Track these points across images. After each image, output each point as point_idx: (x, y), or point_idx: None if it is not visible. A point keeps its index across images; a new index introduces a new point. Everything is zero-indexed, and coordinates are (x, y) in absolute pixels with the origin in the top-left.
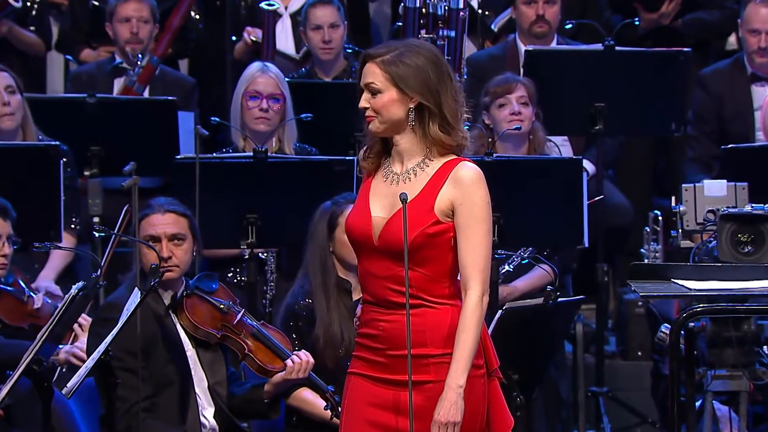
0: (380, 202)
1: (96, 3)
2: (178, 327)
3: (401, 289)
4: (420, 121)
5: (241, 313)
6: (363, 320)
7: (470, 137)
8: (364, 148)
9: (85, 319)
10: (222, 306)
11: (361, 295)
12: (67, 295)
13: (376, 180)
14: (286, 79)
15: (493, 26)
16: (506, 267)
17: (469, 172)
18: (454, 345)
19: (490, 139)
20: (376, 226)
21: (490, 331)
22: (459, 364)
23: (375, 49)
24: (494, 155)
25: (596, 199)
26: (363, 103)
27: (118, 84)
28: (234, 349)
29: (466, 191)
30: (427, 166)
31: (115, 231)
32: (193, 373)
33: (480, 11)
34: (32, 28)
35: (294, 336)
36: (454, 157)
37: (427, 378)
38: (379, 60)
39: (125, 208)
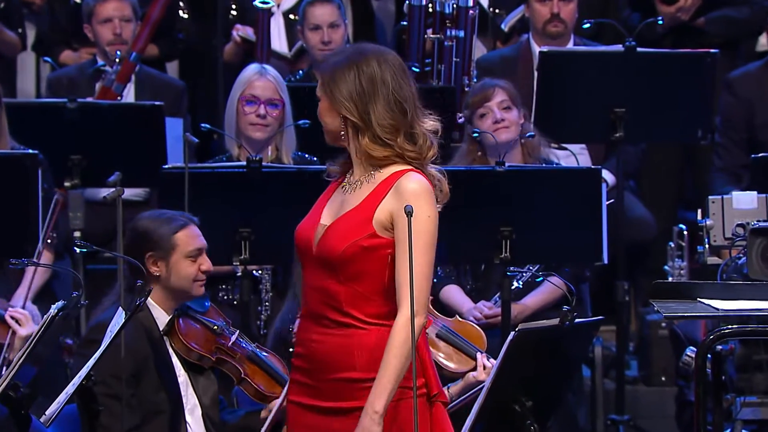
0: (330, 210)
1: (78, 1)
2: (170, 350)
3: (332, 304)
4: (353, 132)
5: (235, 335)
6: (297, 338)
7: (460, 151)
8: None
9: (20, 313)
10: (215, 327)
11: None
12: (46, 316)
13: (338, 187)
14: None
15: (503, 25)
16: (515, 283)
17: (412, 183)
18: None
19: (480, 153)
20: (317, 234)
21: (501, 353)
22: (377, 388)
23: (330, 54)
24: (506, 165)
25: (609, 201)
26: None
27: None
28: (229, 374)
29: (406, 204)
30: (373, 177)
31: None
32: (184, 400)
33: (491, 10)
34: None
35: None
36: (404, 167)
37: (355, 404)
38: (323, 67)
39: (51, 211)
